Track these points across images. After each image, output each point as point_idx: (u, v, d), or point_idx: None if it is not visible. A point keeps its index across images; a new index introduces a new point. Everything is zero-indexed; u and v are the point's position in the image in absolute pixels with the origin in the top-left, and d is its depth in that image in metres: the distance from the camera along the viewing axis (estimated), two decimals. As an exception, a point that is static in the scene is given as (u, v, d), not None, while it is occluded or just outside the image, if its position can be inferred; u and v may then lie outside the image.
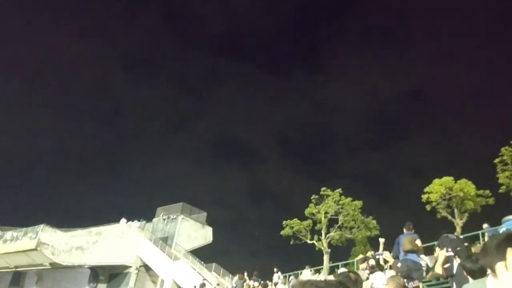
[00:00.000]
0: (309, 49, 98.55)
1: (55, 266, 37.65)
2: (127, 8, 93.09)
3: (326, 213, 34.41)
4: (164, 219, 45.41)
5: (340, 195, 34.72)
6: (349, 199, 34.51)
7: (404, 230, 9.32)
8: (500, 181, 27.91)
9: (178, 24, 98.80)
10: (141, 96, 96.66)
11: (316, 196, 35.28)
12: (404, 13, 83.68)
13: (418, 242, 9.01)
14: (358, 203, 34.40)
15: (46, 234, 36.35)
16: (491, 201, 28.95)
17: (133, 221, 45.29)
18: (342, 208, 34.25)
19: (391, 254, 9.81)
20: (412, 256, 8.61)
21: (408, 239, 8.82)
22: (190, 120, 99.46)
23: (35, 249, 35.41)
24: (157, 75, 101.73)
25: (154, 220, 46.77)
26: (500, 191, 28.00)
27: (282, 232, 35.29)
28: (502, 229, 9.96)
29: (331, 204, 34.32)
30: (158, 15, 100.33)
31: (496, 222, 12.94)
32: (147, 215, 47.62)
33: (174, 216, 44.76)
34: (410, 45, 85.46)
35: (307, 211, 35.33)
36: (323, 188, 35.24)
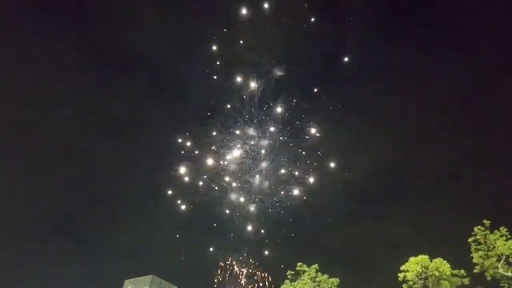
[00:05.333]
0: (288, 123, 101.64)
1: None
2: (114, 76, 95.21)
3: (302, 290, 33.37)
4: (132, 293, 43.00)
5: (317, 271, 34.02)
6: (326, 276, 33.78)
7: None
8: (474, 260, 28.11)
9: (163, 93, 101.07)
10: (119, 163, 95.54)
11: (292, 272, 34.44)
12: (380, 93, 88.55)
13: None
14: (335, 280, 33.65)
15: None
16: (466, 281, 28.88)
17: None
18: (318, 285, 33.39)
19: None
20: None
21: None
22: (166, 189, 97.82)
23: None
24: (138, 141, 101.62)
25: (121, 293, 44.21)
26: (475, 271, 28.10)
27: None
28: None
29: (307, 281, 33.47)
30: (144, 83, 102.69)
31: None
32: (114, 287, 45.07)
33: (143, 290, 42.51)
34: (386, 124, 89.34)
35: (282, 288, 34.24)
36: (299, 264, 34.54)
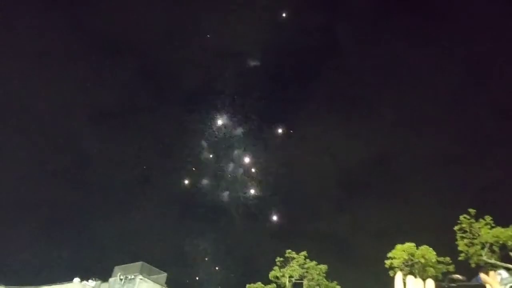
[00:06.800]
0: (278, 112, 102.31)
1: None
2: (103, 61, 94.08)
3: (290, 277, 33.90)
4: (121, 279, 43.02)
5: (305, 258, 34.51)
6: (314, 262, 34.32)
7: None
8: (459, 248, 28.74)
9: (153, 80, 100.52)
10: (108, 149, 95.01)
11: (281, 259, 34.88)
12: (369, 83, 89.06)
13: None
14: (323, 267, 34.22)
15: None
16: (451, 268, 29.52)
17: (87, 280, 42.71)
18: (307, 272, 33.91)
19: None
20: None
21: None
22: (157, 176, 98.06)
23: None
24: (127, 128, 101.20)
25: (111, 280, 44.19)
26: (459, 258, 28.73)
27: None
28: None
29: (296, 267, 33.96)
30: (133, 69, 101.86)
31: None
32: (104, 274, 45.10)
33: (132, 277, 42.61)
34: (373, 113, 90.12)
35: (271, 275, 34.69)
36: (288, 251, 35.00)
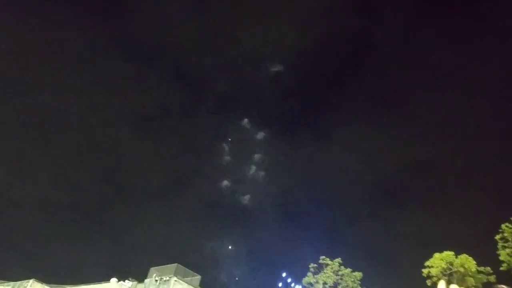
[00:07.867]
0: (314, 116, 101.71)
1: (41, 324, 35.98)
2: (141, 68, 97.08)
3: (324, 283, 33.68)
4: (157, 280, 43.94)
5: (340, 265, 34.24)
6: (349, 269, 34.00)
7: None
8: (501, 258, 27.72)
9: (187, 85, 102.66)
10: (144, 153, 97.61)
11: (315, 265, 34.74)
12: (408, 86, 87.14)
13: None
14: (358, 274, 33.81)
15: (35, 289, 35.20)
16: (492, 278, 28.48)
17: (124, 280, 43.99)
18: (341, 279, 33.60)
19: None
20: None
21: None
22: (191, 179, 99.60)
23: (22, 305, 34.14)
24: (163, 132, 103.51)
25: (146, 281, 45.19)
26: (501, 268, 27.70)
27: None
28: None
29: (330, 274, 33.72)
30: (169, 75, 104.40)
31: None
32: (140, 275, 46.29)
33: (167, 278, 43.48)
34: (415, 117, 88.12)
35: (305, 281, 34.64)
36: (322, 257, 34.82)
